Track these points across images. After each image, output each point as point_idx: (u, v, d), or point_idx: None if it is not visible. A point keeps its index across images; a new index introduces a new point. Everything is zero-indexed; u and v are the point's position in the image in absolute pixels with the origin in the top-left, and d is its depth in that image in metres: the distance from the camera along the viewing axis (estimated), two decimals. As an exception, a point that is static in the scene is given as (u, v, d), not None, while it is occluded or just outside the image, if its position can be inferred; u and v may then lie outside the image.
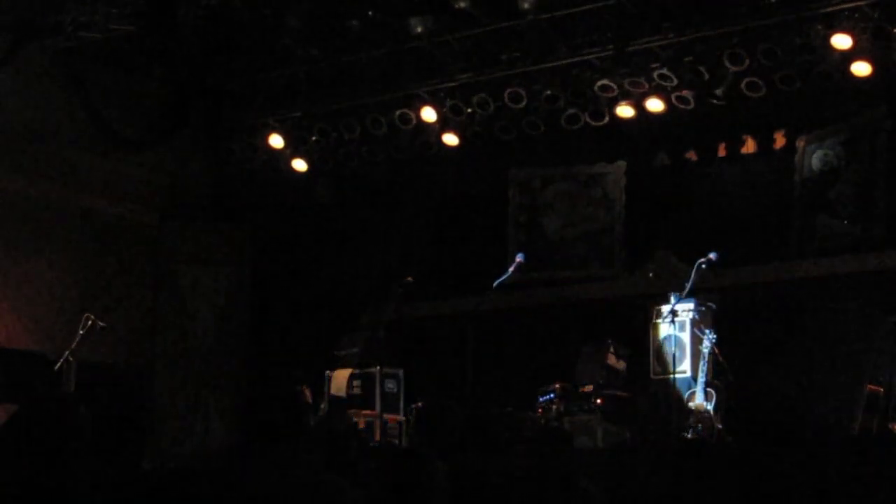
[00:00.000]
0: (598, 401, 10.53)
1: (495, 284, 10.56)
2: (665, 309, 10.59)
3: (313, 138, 12.70)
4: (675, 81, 11.00)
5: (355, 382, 11.29)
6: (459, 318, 12.12)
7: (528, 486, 6.24)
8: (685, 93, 11.10)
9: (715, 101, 11.09)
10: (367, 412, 10.96)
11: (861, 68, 10.29)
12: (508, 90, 11.60)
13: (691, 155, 12.23)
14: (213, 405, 12.30)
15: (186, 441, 12.14)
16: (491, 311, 11.53)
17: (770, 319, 11.16)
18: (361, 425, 10.72)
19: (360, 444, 8.92)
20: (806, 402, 10.57)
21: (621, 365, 10.92)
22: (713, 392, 10.09)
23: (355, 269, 13.43)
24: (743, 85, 10.82)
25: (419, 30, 11.36)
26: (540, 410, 10.57)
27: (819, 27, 10.30)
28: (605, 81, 11.25)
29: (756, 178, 11.83)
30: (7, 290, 11.33)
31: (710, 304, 10.78)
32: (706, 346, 10.12)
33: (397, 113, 12.17)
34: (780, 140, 11.78)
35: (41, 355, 10.57)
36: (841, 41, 10.19)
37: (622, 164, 12.45)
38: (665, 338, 10.72)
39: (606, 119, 11.56)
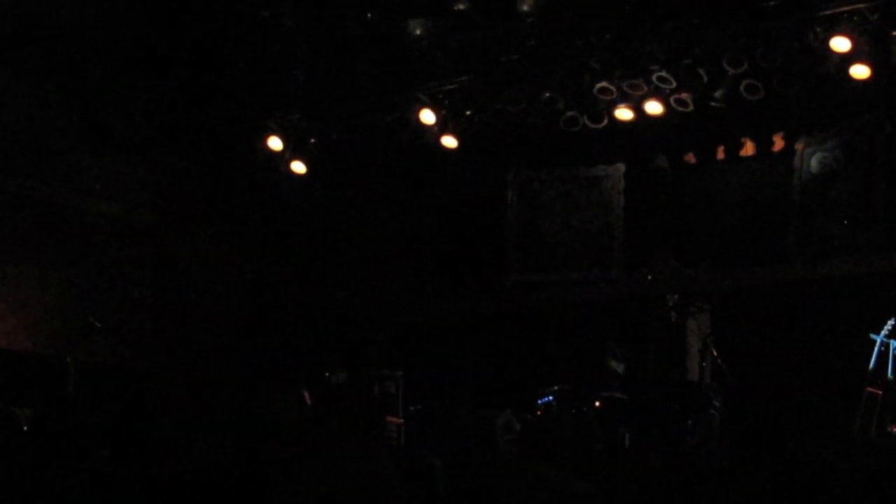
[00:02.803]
0: (597, 403, 10.52)
1: None
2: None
3: (312, 140, 12.71)
4: (674, 84, 10.99)
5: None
6: (458, 320, 12.16)
7: (525, 486, 6.25)
8: (684, 95, 11.08)
9: (714, 104, 11.08)
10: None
11: (860, 71, 10.27)
12: (507, 92, 11.61)
13: (690, 157, 12.25)
14: (213, 405, 12.27)
15: (187, 442, 12.11)
16: (489, 313, 11.56)
17: (769, 322, 11.18)
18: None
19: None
20: (804, 404, 10.58)
21: (620, 367, 10.93)
22: (712, 395, 10.10)
23: (355, 271, 13.44)
24: (742, 87, 10.80)
25: (418, 32, 11.36)
26: (538, 413, 10.56)
27: (818, 30, 10.29)
28: (603, 84, 11.24)
29: (755, 181, 11.85)
30: (6, 291, 11.32)
31: (708, 306, 10.79)
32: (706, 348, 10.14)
33: (396, 115, 12.17)
34: (778, 143, 11.80)
35: (40, 357, 10.57)
36: (840, 44, 10.17)
37: (621, 166, 12.47)
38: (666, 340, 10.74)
39: (605, 121, 11.54)
